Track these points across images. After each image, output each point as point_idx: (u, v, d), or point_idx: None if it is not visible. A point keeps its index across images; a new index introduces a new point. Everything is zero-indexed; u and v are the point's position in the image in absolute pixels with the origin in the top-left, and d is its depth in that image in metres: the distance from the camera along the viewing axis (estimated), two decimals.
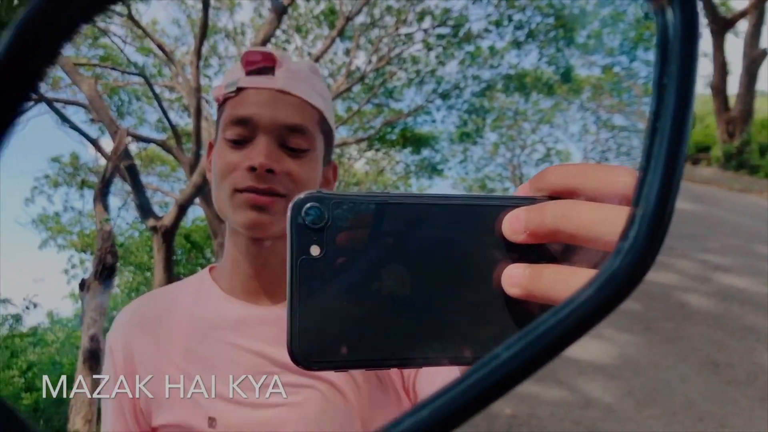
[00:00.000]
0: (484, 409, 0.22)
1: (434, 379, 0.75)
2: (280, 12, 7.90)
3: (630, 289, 0.24)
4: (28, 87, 0.21)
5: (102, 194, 7.18)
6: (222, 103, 0.88)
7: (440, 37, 15.15)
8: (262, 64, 0.84)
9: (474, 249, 0.31)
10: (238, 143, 0.82)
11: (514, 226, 0.30)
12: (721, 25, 12.93)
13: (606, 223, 0.27)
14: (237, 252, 0.87)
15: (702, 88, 15.12)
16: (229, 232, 0.89)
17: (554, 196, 0.30)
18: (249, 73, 0.85)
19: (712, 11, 12.97)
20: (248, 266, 0.86)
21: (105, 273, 6.80)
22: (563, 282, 0.28)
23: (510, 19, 14.67)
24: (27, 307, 10.99)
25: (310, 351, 0.29)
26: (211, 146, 0.93)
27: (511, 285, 0.30)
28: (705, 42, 14.01)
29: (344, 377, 0.80)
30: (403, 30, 14.16)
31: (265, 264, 0.85)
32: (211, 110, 11.43)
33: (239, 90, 0.84)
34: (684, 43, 0.24)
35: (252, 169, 0.79)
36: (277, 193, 0.80)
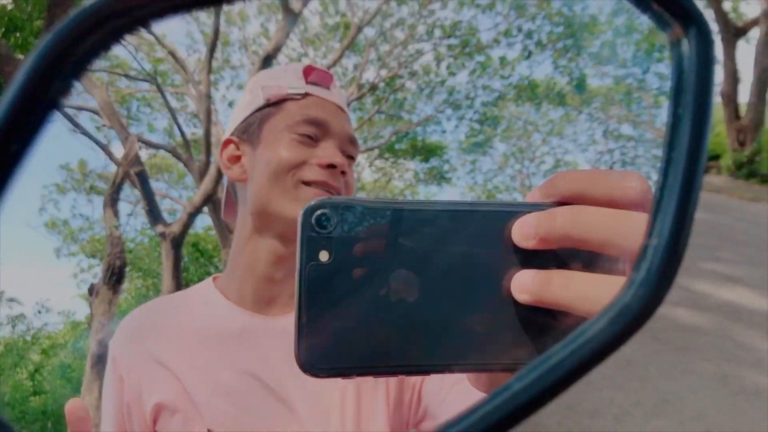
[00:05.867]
0: None
1: (442, 385, 0.76)
2: (291, 22, 7.98)
3: (642, 322, 0.23)
4: (50, 107, 0.21)
5: (112, 200, 7.24)
6: (275, 102, 0.89)
7: (451, 47, 15.22)
8: (322, 79, 0.90)
9: (483, 255, 0.30)
10: (307, 142, 0.85)
11: (524, 231, 0.30)
12: (732, 33, 12.86)
13: (616, 228, 0.28)
14: (257, 255, 0.86)
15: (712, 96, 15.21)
16: (253, 231, 0.87)
17: (564, 202, 0.30)
18: (309, 84, 0.89)
19: (723, 19, 12.91)
20: (266, 271, 0.86)
21: (114, 278, 6.85)
22: (573, 287, 0.28)
23: (520, 29, 14.72)
24: (39, 311, 11.11)
25: (316, 357, 0.29)
26: (228, 142, 0.93)
27: (521, 291, 0.30)
28: (716, 49, 14.04)
29: (342, 390, 0.80)
30: (414, 43, 14.26)
31: (285, 268, 0.86)
32: (221, 118, 11.52)
33: (305, 95, 0.88)
34: (699, 74, 0.24)
35: (331, 166, 0.83)
36: (340, 195, 0.84)
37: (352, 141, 0.89)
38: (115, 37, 0.22)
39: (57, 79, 0.21)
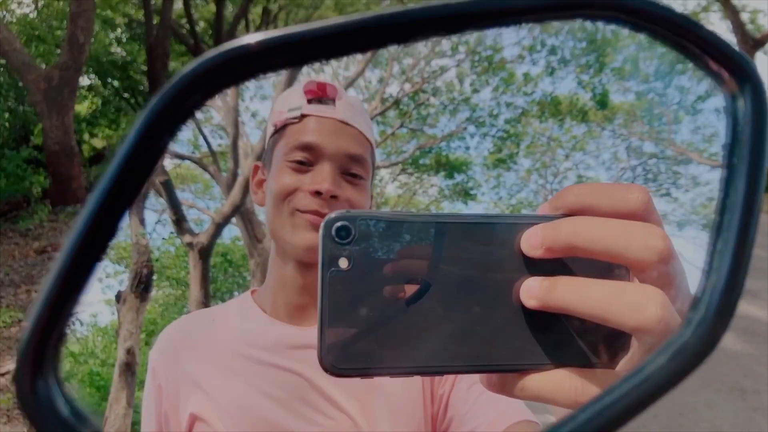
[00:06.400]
0: None
1: (467, 396, 0.78)
2: None
3: (701, 360, 0.25)
4: (159, 155, 0.24)
5: (138, 209, 7.39)
6: (280, 128, 0.90)
7: (474, 64, 15.30)
8: (323, 95, 0.88)
9: (494, 264, 0.32)
10: (302, 167, 0.85)
11: (531, 241, 0.31)
12: (751, 45, 12.66)
13: (617, 237, 0.29)
14: (284, 274, 0.88)
15: None
16: (276, 253, 0.90)
17: (571, 213, 0.32)
18: (310, 102, 0.88)
19: (741, 30, 12.74)
20: (296, 288, 0.88)
21: (141, 286, 6.96)
22: (577, 292, 0.30)
23: (543, 44, 14.76)
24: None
25: (338, 358, 0.30)
26: (257, 168, 0.96)
27: (529, 297, 0.31)
28: None
29: (381, 393, 0.83)
30: (437, 58, 14.32)
31: (313, 284, 0.84)
32: (247, 131, 11.73)
33: (302, 117, 0.87)
34: (755, 128, 0.26)
35: (317, 193, 0.82)
36: None
37: (353, 158, 0.87)
38: (218, 91, 0.24)
39: (164, 132, 0.23)
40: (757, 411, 4.38)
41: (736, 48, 0.27)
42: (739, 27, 12.83)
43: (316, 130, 0.86)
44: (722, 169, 0.27)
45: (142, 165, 0.23)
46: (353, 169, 0.87)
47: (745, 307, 6.06)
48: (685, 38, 0.27)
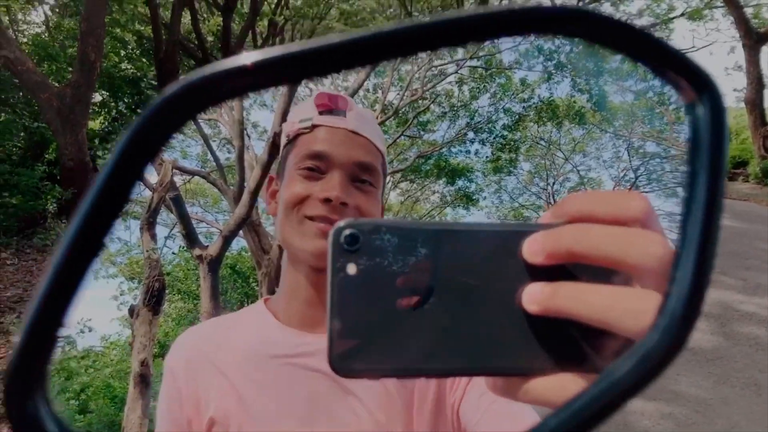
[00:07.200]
0: None
1: (478, 405, 0.78)
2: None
3: (665, 364, 0.25)
4: (137, 176, 0.25)
5: (149, 224, 7.46)
6: (293, 139, 0.92)
7: (472, 70, 15.39)
8: (335, 106, 0.90)
9: (498, 271, 0.32)
10: (312, 175, 0.86)
11: (533, 248, 0.32)
12: (755, 39, 12.63)
13: (616, 243, 0.30)
14: (296, 281, 0.90)
15: (736, 102, 14.71)
16: (288, 261, 0.92)
17: (572, 221, 0.32)
18: (322, 113, 0.90)
19: (745, 25, 12.76)
20: (307, 295, 0.89)
21: (153, 300, 7.00)
22: (578, 298, 0.30)
23: (540, 50, 14.84)
24: (81, 331, 11.32)
25: (346, 359, 0.31)
26: (271, 179, 0.98)
27: (530, 302, 0.32)
28: (739, 56, 13.56)
29: (390, 396, 0.83)
30: (436, 60, 14.36)
31: (324, 294, 0.86)
32: (252, 143, 11.77)
33: (313, 127, 0.89)
34: (713, 135, 0.27)
35: (327, 200, 0.83)
36: None
37: (363, 166, 0.88)
38: (191, 117, 0.25)
39: (144, 152, 0.24)
40: None
41: (693, 59, 0.28)
42: (742, 22, 12.85)
43: (326, 139, 0.87)
44: (684, 178, 0.28)
45: (121, 187, 0.24)
46: (363, 176, 0.88)
47: (758, 301, 6.07)
48: (644, 50, 0.28)
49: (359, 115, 0.92)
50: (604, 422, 0.25)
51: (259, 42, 9.38)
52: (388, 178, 1.03)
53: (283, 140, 0.94)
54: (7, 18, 9.58)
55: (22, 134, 8.88)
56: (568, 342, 0.32)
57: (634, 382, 0.25)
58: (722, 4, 13.54)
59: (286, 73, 0.26)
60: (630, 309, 0.28)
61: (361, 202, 0.86)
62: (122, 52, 10.54)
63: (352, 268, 0.31)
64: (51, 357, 0.24)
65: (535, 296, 0.32)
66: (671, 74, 0.28)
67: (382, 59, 0.26)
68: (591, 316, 0.29)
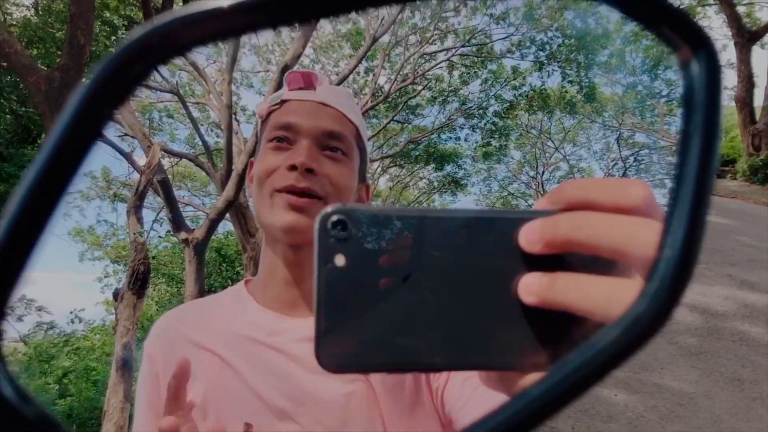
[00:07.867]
0: None
1: (462, 391, 0.77)
2: (308, 30, 8.07)
3: (654, 331, 0.24)
4: (96, 134, 0.23)
5: (136, 207, 7.39)
6: (266, 118, 0.92)
7: (463, 56, 15.30)
8: (304, 82, 0.90)
9: (492, 259, 0.31)
10: (281, 147, 0.85)
11: (530, 237, 0.31)
12: (747, 38, 12.68)
13: (617, 232, 0.28)
14: (273, 261, 0.88)
15: (726, 100, 14.99)
16: (265, 241, 0.90)
17: (570, 209, 0.31)
18: (292, 89, 0.90)
19: (737, 23, 12.80)
20: (284, 275, 0.86)
21: (138, 284, 6.96)
22: (578, 289, 0.29)
23: (532, 41, 14.78)
24: (72, 321, 11.24)
25: (334, 354, 0.30)
26: (251, 164, 0.95)
27: (527, 293, 0.30)
28: (730, 54, 13.72)
29: (375, 384, 0.81)
30: (426, 45, 14.27)
31: (302, 273, 0.85)
32: (241, 127, 11.67)
33: (283, 102, 0.89)
34: (708, 93, 0.26)
35: (293, 167, 0.82)
36: (316, 195, 0.82)
37: (332, 134, 0.86)
38: (156, 66, 0.24)
39: (103, 107, 0.23)
40: (756, 401, 4.38)
41: (690, 15, 0.27)
42: (734, 20, 12.87)
43: (294, 111, 0.87)
44: (677, 140, 0.27)
45: (83, 138, 0.23)
46: (332, 144, 0.86)
47: (742, 297, 6.11)
48: (638, 6, 0.27)
49: (330, 88, 0.91)
50: (588, 391, 0.24)
51: None
52: (377, 163, 0.99)
53: (258, 123, 0.95)
54: None
55: (9, 118, 8.71)
56: (565, 335, 0.31)
57: (620, 349, 0.24)
58: (715, 2, 13.57)
59: (263, 17, 0.24)
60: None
61: (331, 171, 0.85)
62: (112, 37, 10.38)
63: (340, 260, 0.30)
64: (3, 318, 0.22)
65: (532, 287, 0.30)
66: (666, 30, 0.27)
67: (370, 5, 0.25)
68: (591, 310, 0.28)
